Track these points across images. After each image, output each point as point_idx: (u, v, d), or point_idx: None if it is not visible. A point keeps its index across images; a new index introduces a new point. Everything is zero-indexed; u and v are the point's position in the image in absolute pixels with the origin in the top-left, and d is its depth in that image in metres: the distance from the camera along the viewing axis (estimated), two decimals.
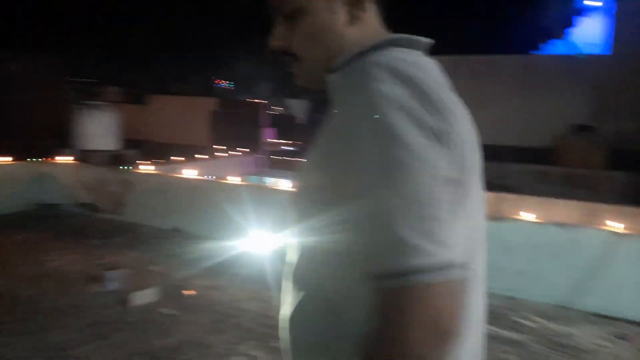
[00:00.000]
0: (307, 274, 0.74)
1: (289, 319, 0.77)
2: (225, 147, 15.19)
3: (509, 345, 3.18)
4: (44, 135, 11.69)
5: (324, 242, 0.67)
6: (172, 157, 11.29)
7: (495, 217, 4.15)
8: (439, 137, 0.59)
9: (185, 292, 3.72)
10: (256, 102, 17.78)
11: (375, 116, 0.58)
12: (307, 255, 0.74)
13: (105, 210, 5.97)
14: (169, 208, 5.55)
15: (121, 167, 6.44)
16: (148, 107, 25.15)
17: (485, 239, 0.76)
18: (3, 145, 8.96)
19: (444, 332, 0.54)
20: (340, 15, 0.72)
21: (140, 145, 15.32)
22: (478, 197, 0.68)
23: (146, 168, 6.10)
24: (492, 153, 11.31)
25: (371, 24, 0.75)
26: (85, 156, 9.22)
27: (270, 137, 16.47)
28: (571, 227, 3.94)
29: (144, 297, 3.51)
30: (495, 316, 3.63)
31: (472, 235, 0.67)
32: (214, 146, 16.35)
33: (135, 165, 6.30)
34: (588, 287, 3.79)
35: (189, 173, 5.68)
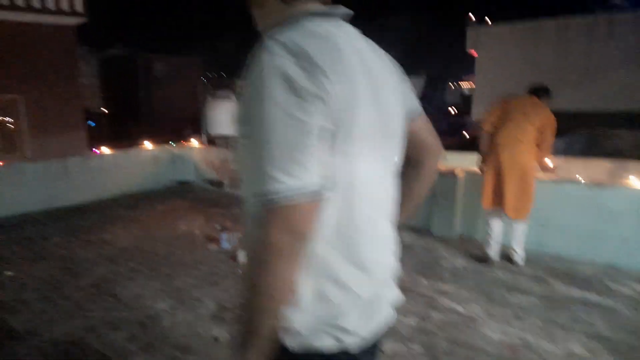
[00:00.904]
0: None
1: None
2: None
3: (597, 310, 3.05)
4: (182, 124, 13.52)
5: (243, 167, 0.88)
6: None
7: (597, 184, 3.88)
8: (314, 97, 0.75)
9: None
10: None
11: (262, 81, 0.75)
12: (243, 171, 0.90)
13: (227, 186, 6.86)
14: None
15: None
16: None
17: (384, 172, 0.95)
18: (151, 133, 10.63)
19: (296, 234, 0.76)
20: None
21: None
22: (369, 143, 0.86)
23: None
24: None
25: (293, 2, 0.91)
26: (212, 140, 10.48)
27: None
28: None
29: None
30: (588, 282, 3.47)
31: (355, 169, 0.85)
32: None
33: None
34: None
35: None
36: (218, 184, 6.99)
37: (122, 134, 14.36)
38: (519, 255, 3.85)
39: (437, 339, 2.71)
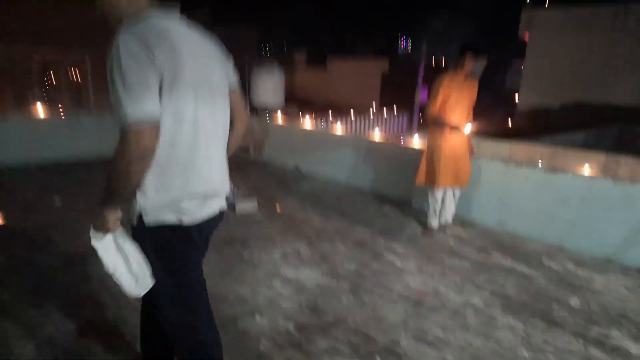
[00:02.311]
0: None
1: None
2: (374, 107, 16.15)
3: (515, 277, 3.52)
4: None
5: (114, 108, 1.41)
6: (327, 114, 12.73)
7: (551, 169, 4.23)
8: (147, 59, 1.33)
9: (277, 207, 4.96)
10: (421, 62, 17.96)
11: (119, 54, 1.33)
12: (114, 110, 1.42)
13: (251, 151, 7.66)
14: (293, 151, 6.88)
15: (267, 119, 8.02)
16: (328, 70, 27.33)
17: (215, 105, 1.59)
18: None
19: (138, 150, 1.33)
20: None
21: (306, 104, 17.43)
22: (192, 89, 1.47)
23: (279, 120, 7.53)
24: None
25: (142, 2, 1.52)
26: (255, 110, 11.29)
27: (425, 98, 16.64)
28: (626, 182, 3.81)
29: (246, 206, 4.86)
30: (526, 257, 3.91)
31: (182, 106, 1.46)
32: (371, 106, 17.44)
33: (273, 117, 7.80)
34: (637, 243, 3.71)
35: (337, 129, 6.78)
36: (245, 150, 7.81)
37: None
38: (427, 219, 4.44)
39: (365, 281, 3.34)
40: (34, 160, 6.49)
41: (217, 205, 1.69)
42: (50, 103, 9.94)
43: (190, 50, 1.50)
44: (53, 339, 2.50)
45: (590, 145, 8.19)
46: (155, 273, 1.63)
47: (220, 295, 2.99)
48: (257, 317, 2.79)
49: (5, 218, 4.35)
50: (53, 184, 5.56)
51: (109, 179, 1.44)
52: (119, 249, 1.59)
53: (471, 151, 4.32)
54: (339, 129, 6.51)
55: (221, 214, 1.74)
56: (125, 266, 1.59)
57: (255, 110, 11.27)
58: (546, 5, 14.91)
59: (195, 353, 1.78)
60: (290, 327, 2.72)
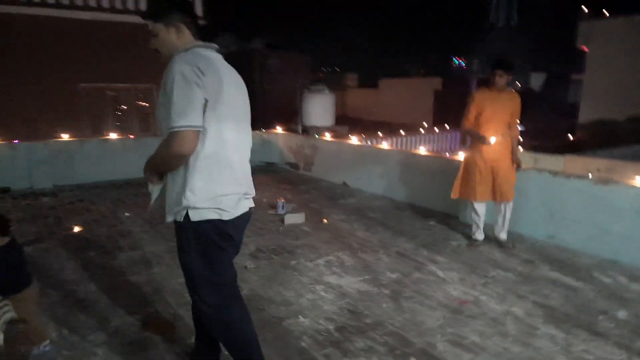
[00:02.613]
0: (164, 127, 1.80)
1: None
2: (426, 124, 16.08)
3: (562, 289, 3.46)
4: (283, 113, 15.06)
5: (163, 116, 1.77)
6: (378, 133, 12.86)
7: (602, 180, 4.12)
8: (197, 84, 1.67)
9: (323, 220, 5.16)
10: (471, 78, 17.72)
11: (174, 76, 1.66)
12: (163, 118, 1.79)
13: (301, 168, 7.96)
14: (341, 167, 7.08)
15: (315, 136, 8.31)
16: (380, 90, 27.55)
17: (241, 125, 1.93)
18: (254, 119, 12.18)
19: (183, 145, 1.69)
20: (172, 34, 1.86)
21: (357, 122, 17.65)
22: (229, 110, 1.81)
23: (329, 138, 7.79)
24: None
25: (187, 37, 1.88)
26: (306, 130, 11.67)
27: None
28: None
29: (294, 218, 5.10)
30: (575, 270, 3.82)
31: (223, 122, 1.79)
32: (423, 124, 17.37)
33: (321, 135, 8.08)
34: None
35: (383, 145, 6.97)
36: (295, 166, 8.13)
37: None
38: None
39: (406, 289, 3.44)
40: (107, 177, 7.16)
41: (248, 204, 2.02)
42: (121, 128, 10.83)
43: (227, 78, 1.84)
44: (120, 330, 2.82)
45: None
46: (195, 262, 1.95)
47: (268, 298, 3.21)
48: (300, 318, 2.98)
49: (82, 227, 4.87)
50: (123, 198, 6.11)
51: (153, 159, 1.86)
52: (156, 190, 2.02)
53: (517, 164, 4.30)
54: (385, 145, 6.66)
55: (250, 212, 2.06)
56: (156, 194, 2.02)
57: (306, 130, 11.68)
58: (604, 15, 14.30)
59: (228, 329, 2.05)
60: (331, 327, 2.88)
